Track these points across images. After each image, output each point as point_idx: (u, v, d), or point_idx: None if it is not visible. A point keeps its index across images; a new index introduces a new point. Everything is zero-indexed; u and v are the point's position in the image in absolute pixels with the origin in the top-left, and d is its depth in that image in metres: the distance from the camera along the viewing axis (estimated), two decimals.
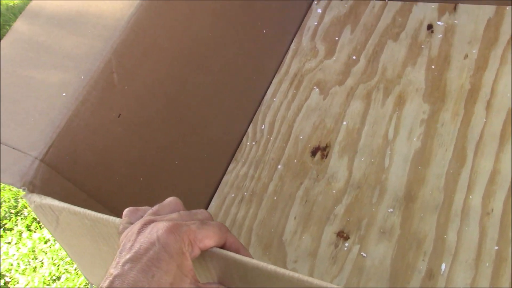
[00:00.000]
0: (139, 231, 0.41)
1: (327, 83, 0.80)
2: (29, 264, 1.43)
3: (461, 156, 0.66)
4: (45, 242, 1.47)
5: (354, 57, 0.81)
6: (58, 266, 1.41)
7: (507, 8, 0.76)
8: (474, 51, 0.74)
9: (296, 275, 0.37)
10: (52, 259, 1.43)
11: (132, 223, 0.44)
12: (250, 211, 0.73)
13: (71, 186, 0.56)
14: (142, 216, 0.44)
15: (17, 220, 1.54)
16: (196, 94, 0.70)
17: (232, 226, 0.72)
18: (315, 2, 0.91)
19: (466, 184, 0.64)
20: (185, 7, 0.65)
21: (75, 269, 1.39)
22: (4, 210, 1.56)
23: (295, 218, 0.70)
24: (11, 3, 2.27)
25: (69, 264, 1.41)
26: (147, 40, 0.61)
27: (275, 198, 0.73)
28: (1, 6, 2.20)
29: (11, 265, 1.44)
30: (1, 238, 1.50)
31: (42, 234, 1.49)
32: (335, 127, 0.75)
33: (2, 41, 0.61)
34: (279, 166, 0.75)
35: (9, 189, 1.61)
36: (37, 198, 0.52)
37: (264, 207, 0.72)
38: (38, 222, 1.53)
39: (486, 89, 0.70)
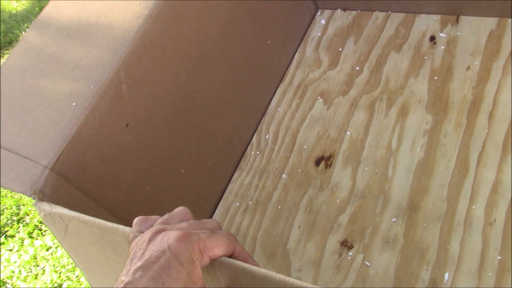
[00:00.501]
0: (150, 239, 0.42)
1: (331, 93, 0.81)
2: (31, 272, 1.44)
3: (464, 167, 0.67)
4: (47, 250, 1.47)
5: (357, 68, 0.82)
6: (59, 273, 1.41)
7: (509, 20, 0.77)
8: (476, 63, 0.75)
9: (304, 284, 0.38)
10: (54, 266, 1.43)
11: (142, 232, 0.44)
12: (255, 220, 0.74)
13: (80, 195, 0.57)
14: (152, 225, 0.45)
15: (19, 227, 1.54)
16: (202, 104, 0.71)
17: (237, 234, 0.73)
18: (319, 13, 0.92)
19: (469, 194, 0.65)
20: (193, 19, 0.67)
21: (76, 277, 1.39)
22: (6, 217, 1.57)
23: (299, 227, 0.70)
24: (14, 11, 2.29)
25: (70, 271, 1.41)
26: (155, 51, 0.62)
27: (279, 207, 0.73)
28: (4, 14, 2.21)
29: (13, 272, 1.44)
30: (3, 245, 1.50)
31: (44, 242, 1.49)
32: (338, 137, 0.76)
33: (12, 51, 0.62)
34: (283, 176, 0.76)
35: (11, 196, 1.62)
36: (47, 207, 0.52)
37: (269, 216, 0.73)
38: (40, 229, 1.54)
39: (488, 100, 0.71)
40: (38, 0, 2.26)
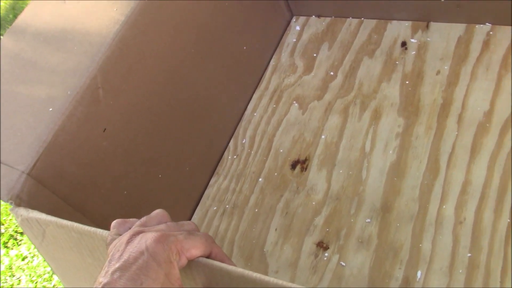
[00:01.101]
0: (128, 241, 0.42)
1: (306, 98, 0.83)
2: (6, 282, 1.42)
3: (435, 168, 0.69)
4: (23, 259, 1.46)
5: (331, 73, 0.84)
6: (36, 283, 1.39)
7: (476, 26, 0.80)
8: (446, 67, 0.77)
9: (280, 281, 0.39)
10: (30, 276, 1.41)
11: (120, 235, 0.45)
12: (232, 224, 0.74)
13: (57, 200, 0.57)
14: (130, 228, 0.46)
15: None
16: (179, 109, 0.72)
17: (215, 238, 0.74)
18: (294, 20, 0.94)
19: (440, 194, 0.67)
20: (169, 25, 0.67)
21: (53, 286, 1.38)
22: None
23: (276, 229, 0.72)
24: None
25: (47, 281, 1.39)
26: (132, 56, 0.62)
27: (256, 210, 0.74)
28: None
29: None
30: None
31: (20, 251, 1.47)
32: (314, 140, 0.78)
33: None
34: (260, 179, 0.77)
35: None
36: (24, 212, 0.52)
37: (246, 219, 0.74)
38: (15, 239, 1.52)
39: (457, 104, 0.73)
40: (12, 8, 2.23)
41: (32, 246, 1.42)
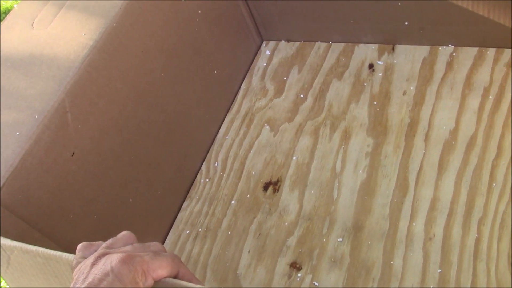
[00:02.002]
0: (93, 263, 0.42)
1: (277, 120, 0.84)
2: None
3: (404, 186, 0.70)
4: None
5: (302, 96, 0.85)
6: None
7: (440, 48, 0.82)
8: (412, 88, 0.79)
9: None
10: None
11: (86, 258, 0.44)
12: (205, 247, 0.74)
13: (25, 225, 0.56)
14: (96, 251, 0.45)
15: None
16: (150, 133, 0.72)
17: (188, 262, 0.73)
18: (264, 44, 0.96)
19: (409, 212, 0.68)
20: (138, 49, 0.68)
21: None
22: None
23: (249, 251, 0.71)
24: None
25: None
26: (100, 80, 0.62)
27: (229, 233, 0.74)
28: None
29: None
30: None
31: None
32: (285, 162, 0.78)
33: None
34: (233, 202, 0.77)
35: None
36: None
37: (219, 242, 0.74)
38: None
39: (424, 123, 0.75)
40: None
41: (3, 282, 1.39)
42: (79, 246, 0.46)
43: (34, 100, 0.58)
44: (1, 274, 0.56)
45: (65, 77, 0.59)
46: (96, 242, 0.47)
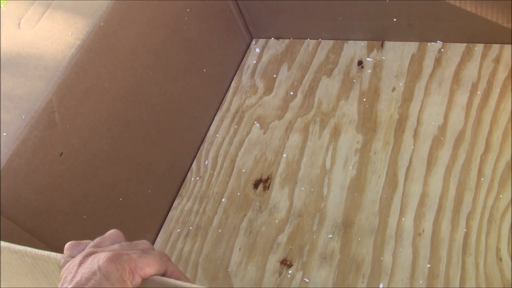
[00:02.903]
0: (80, 262, 0.42)
1: (267, 118, 0.84)
2: None
3: (393, 182, 0.70)
4: None
5: (291, 93, 0.85)
6: None
7: (428, 44, 0.82)
8: (400, 84, 0.80)
9: None
10: None
11: (73, 257, 0.44)
12: (196, 245, 0.74)
13: (13, 226, 0.56)
14: (83, 249, 0.45)
15: None
16: (139, 131, 0.72)
17: (178, 261, 0.73)
18: (254, 42, 0.96)
19: (399, 207, 0.68)
20: (126, 48, 0.68)
21: None
22: None
23: (240, 249, 0.71)
24: None
25: None
26: (88, 79, 0.62)
27: (220, 231, 0.74)
28: None
29: None
30: None
31: None
32: (275, 159, 0.78)
33: None
34: (223, 200, 0.77)
35: None
36: None
37: (210, 240, 0.74)
38: None
39: (413, 119, 0.75)
40: None
41: None
42: (66, 245, 0.46)
43: (21, 101, 0.58)
44: None
45: (53, 77, 0.59)
46: (84, 241, 0.47)
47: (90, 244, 0.45)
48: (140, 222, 0.74)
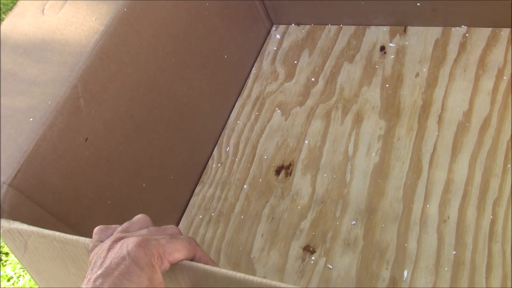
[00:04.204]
0: (110, 247, 0.42)
1: (288, 104, 0.83)
2: None
3: (417, 168, 0.70)
4: (8, 280, 1.43)
5: (313, 79, 0.85)
6: None
7: (452, 29, 0.81)
8: (424, 70, 0.79)
9: (264, 280, 0.39)
10: None
11: (102, 241, 0.45)
12: (218, 231, 0.74)
13: (40, 211, 0.56)
14: (112, 234, 0.45)
15: None
16: (161, 118, 0.72)
17: (201, 246, 0.73)
18: (274, 28, 0.95)
19: (423, 194, 0.67)
20: (149, 34, 0.68)
21: None
22: None
23: (262, 235, 0.71)
24: None
25: None
26: (112, 65, 0.62)
27: (242, 217, 0.74)
28: None
29: None
30: None
31: (5, 272, 1.45)
32: (297, 146, 0.78)
33: None
34: (245, 186, 0.77)
35: None
36: (6, 223, 0.52)
37: (232, 226, 0.74)
38: (0, 260, 1.49)
39: (437, 105, 0.74)
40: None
41: (18, 266, 1.40)
42: (95, 230, 0.47)
43: (46, 86, 0.58)
44: (18, 259, 0.56)
45: (77, 63, 0.59)
46: (112, 225, 0.47)
47: (119, 229, 0.45)
48: (162, 208, 0.75)
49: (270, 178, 0.77)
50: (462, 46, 0.79)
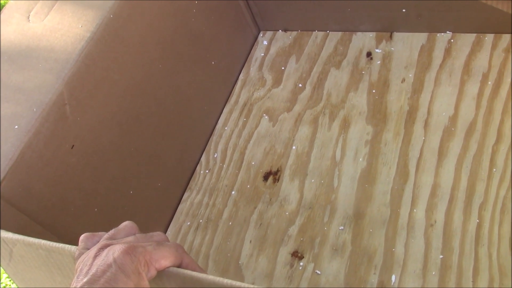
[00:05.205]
0: (96, 255, 0.42)
1: (276, 110, 0.83)
2: None
3: (404, 173, 0.70)
4: None
5: (300, 85, 0.85)
6: None
7: (438, 35, 0.82)
8: (410, 75, 0.79)
9: (252, 286, 0.39)
10: None
11: (88, 249, 0.44)
12: (206, 238, 0.74)
13: (26, 219, 0.56)
14: (98, 242, 0.45)
15: None
16: (149, 124, 0.72)
17: (189, 253, 0.73)
18: (261, 35, 0.95)
19: (410, 198, 0.68)
20: (135, 41, 0.68)
21: None
22: None
23: (250, 241, 0.71)
24: None
25: None
26: (98, 72, 0.62)
27: (230, 223, 0.74)
28: None
29: None
30: None
31: None
32: (285, 151, 0.78)
33: None
34: (233, 192, 0.77)
35: None
36: None
37: (220, 233, 0.74)
38: None
39: (423, 110, 0.75)
40: None
41: (4, 276, 1.39)
42: (81, 237, 0.46)
43: (32, 93, 0.58)
44: (3, 267, 0.56)
45: (63, 70, 0.59)
46: (99, 233, 0.47)
47: (105, 236, 0.45)
48: (150, 215, 0.74)
49: (258, 184, 0.77)
50: (447, 51, 0.80)
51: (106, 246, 0.43)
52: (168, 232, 0.77)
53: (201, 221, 0.76)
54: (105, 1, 0.64)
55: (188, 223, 0.76)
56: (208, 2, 0.81)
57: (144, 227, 0.71)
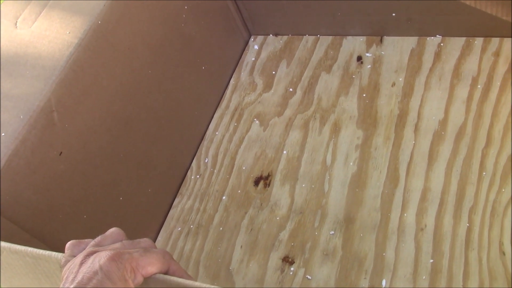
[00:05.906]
0: (82, 262, 0.42)
1: (267, 115, 0.83)
2: None
3: (394, 177, 0.70)
4: None
5: (291, 89, 0.85)
6: None
7: (428, 38, 0.82)
8: (400, 79, 0.79)
9: None
10: None
11: (74, 256, 0.44)
12: (197, 244, 0.74)
13: (13, 227, 0.55)
14: (84, 249, 0.45)
15: None
16: (139, 130, 0.71)
17: (180, 259, 0.73)
18: (252, 39, 0.95)
19: (401, 203, 0.68)
20: (124, 47, 0.67)
21: None
22: None
23: (241, 247, 0.71)
24: None
25: None
26: (86, 78, 0.62)
27: (221, 228, 0.74)
28: None
29: None
30: None
31: None
32: (276, 156, 0.78)
33: None
34: (224, 197, 0.77)
35: None
36: None
37: (211, 238, 0.73)
38: None
39: (413, 114, 0.75)
40: None
41: None
42: (68, 244, 0.46)
43: (19, 100, 0.58)
44: None
45: (51, 76, 0.59)
46: (85, 240, 0.46)
47: (91, 243, 0.45)
48: (140, 221, 0.74)
49: (249, 189, 0.76)
50: (437, 55, 0.80)
51: (92, 253, 0.42)
52: (159, 238, 0.76)
53: (191, 226, 0.76)
54: (93, 8, 0.64)
55: (179, 228, 0.76)
56: (198, 7, 0.81)
57: (134, 233, 0.71)
